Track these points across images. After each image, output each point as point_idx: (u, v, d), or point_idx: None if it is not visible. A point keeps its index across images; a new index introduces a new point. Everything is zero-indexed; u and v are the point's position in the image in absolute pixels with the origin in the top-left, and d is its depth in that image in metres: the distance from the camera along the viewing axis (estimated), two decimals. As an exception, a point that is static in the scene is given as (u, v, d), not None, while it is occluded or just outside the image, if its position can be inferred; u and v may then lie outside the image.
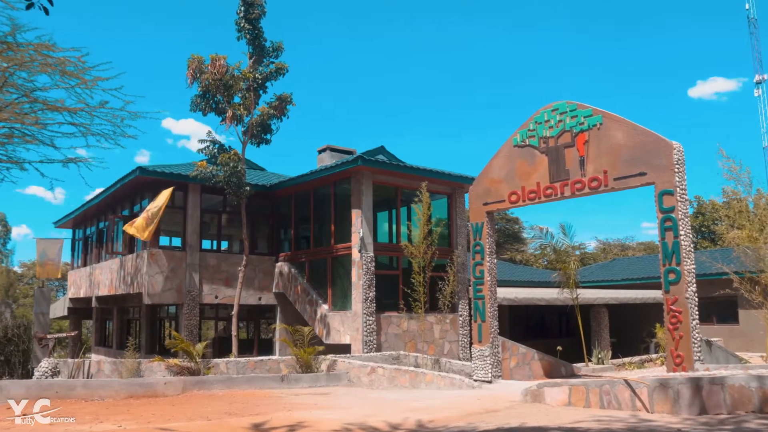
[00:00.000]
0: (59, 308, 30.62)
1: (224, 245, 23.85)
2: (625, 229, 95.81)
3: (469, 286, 14.82)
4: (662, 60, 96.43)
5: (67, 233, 29.88)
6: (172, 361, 14.11)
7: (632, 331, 23.65)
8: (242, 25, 17.61)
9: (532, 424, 7.59)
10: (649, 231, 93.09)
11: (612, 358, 18.65)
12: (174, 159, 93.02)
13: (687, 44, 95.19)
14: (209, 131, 18.15)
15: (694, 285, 10.50)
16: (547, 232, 19.58)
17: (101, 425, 8.42)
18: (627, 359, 18.22)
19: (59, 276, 26.49)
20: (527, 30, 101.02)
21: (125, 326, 23.65)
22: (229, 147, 18.08)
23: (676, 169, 10.66)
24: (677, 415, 7.90)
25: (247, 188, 18.12)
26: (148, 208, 17.86)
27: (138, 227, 17.37)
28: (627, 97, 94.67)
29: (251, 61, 17.92)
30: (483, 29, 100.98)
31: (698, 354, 10.33)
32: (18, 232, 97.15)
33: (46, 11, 4.99)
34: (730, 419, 7.41)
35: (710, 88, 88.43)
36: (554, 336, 24.32)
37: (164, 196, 17.82)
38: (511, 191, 13.08)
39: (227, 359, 14.95)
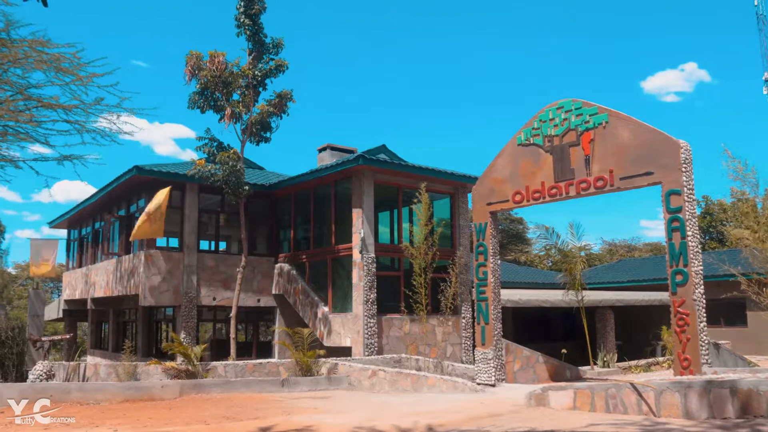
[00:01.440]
0: (54, 310, 30.31)
1: (222, 246, 23.61)
2: (609, 232, 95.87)
3: (472, 287, 14.60)
4: (617, 55, 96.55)
5: (62, 233, 29.69)
6: (169, 364, 13.89)
7: (638, 334, 23.44)
8: (242, 20, 17.38)
9: (542, 429, 7.39)
10: (630, 233, 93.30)
11: (618, 361, 18.45)
12: (128, 156, 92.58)
13: (640, 40, 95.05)
14: (207, 129, 17.92)
15: (702, 287, 10.28)
16: (553, 232, 19.30)
17: (97, 429, 8.32)
18: (633, 362, 18.03)
19: (54, 275, 26.21)
20: (528, 28, 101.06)
21: (121, 328, 23.41)
22: (228, 145, 17.85)
23: (684, 169, 10.45)
24: (684, 419, 7.72)
25: (246, 188, 17.89)
26: (147, 210, 17.61)
27: (140, 229, 17.16)
28: (622, 96, 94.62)
29: (251, 57, 17.69)
30: (484, 27, 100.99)
31: (706, 357, 10.13)
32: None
33: (45, 2, 4.78)
34: (745, 423, 7.26)
35: (659, 82, 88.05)
36: (559, 338, 24.03)
37: (163, 194, 17.61)
38: (515, 191, 12.84)
39: (225, 362, 14.71)
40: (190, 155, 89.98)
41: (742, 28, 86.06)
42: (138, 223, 17.40)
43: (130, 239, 18.18)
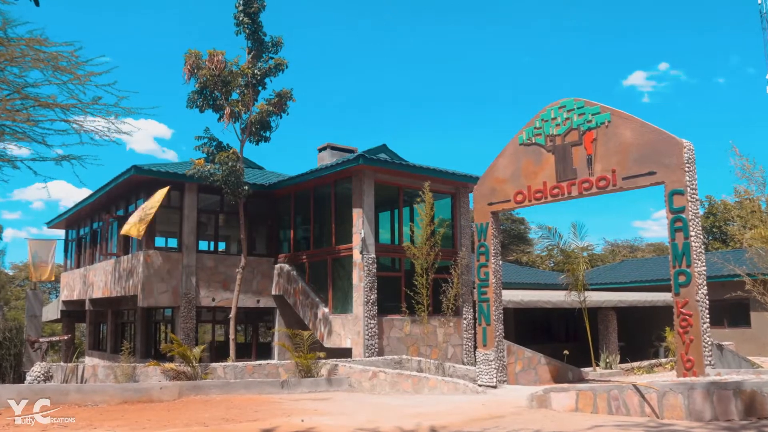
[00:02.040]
0: (52, 311, 30.19)
1: (222, 246, 23.49)
2: (609, 232, 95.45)
3: (474, 288, 14.51)
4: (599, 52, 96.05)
5: (60, 233, 29.55)
6: (168, 365, 13.79)
7: (641, 335, 23.36)
8: (241, 19, 17.26)
9: (544, 431, 7.31)
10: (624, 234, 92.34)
11: (621, 362, 18.40)
12: (108, 155, 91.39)
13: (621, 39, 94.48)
14: (207, 128, 17.80)
15: (705, 287, 10.21)
16: (555, 232, 19.23)
17: (95, 431, 8.26)
18: (636, 364, 17.98)
19: (53, 278, 26.09)
20: (527, 28, 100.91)
21: (120, 329, 23.29)
22: (227, 145, 17.75)
23: (687, 168, 10.37)
24: (688, 420, 7.65)
25: (246, 187, 17.78)
26: (142, 206, 17.55)
27: (131, 226, 17.09)
28: (601, 99, 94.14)
29: (250, 56, 17.58)
30: (484, 27, 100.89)
31: (709, 358, 10.04)
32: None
33: (36, 2, 4.92)
34: (750, 424, 7.20)
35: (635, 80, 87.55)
36: (561, 339, 23.97)
37: (160, 194, 17.51)
38: (516, 191, 12.76)
39: (225, 364, 14.62)
40: (171, 154, 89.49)
41: (720, 27, 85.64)
42: (131, 219, 17.36)
43: (121, 233, 18.17)
